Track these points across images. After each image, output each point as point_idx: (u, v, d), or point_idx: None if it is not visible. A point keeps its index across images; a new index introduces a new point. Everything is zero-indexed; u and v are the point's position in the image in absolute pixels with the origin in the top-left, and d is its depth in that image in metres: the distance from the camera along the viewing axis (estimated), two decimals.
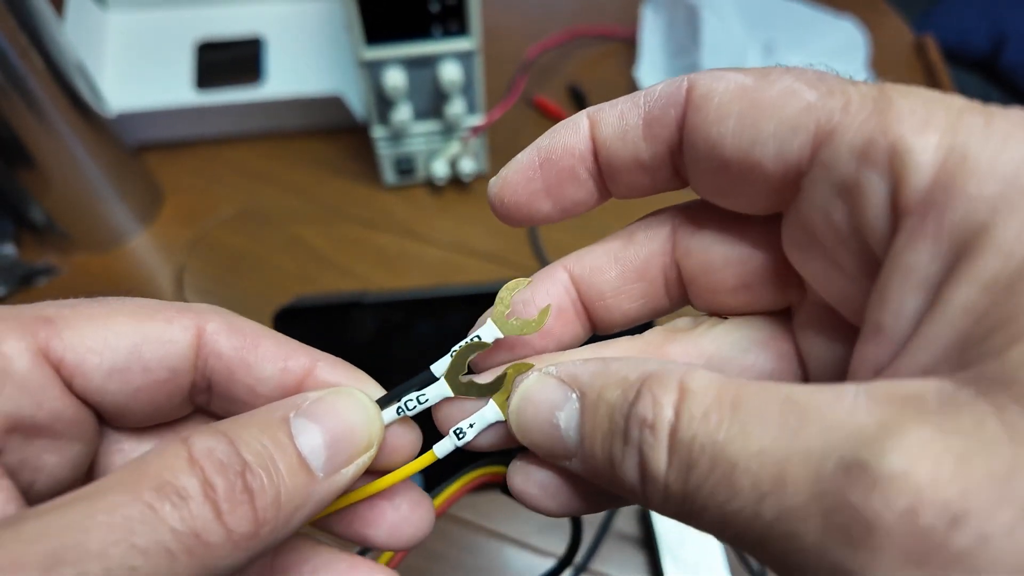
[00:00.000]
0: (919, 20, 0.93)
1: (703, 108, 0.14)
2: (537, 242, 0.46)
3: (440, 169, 0.47)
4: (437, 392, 0.16)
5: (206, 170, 0.51)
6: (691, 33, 0.53)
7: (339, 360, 0.17)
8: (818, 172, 0.13)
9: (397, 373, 0.34)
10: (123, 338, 0.15)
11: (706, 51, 0.49)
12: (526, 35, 0.62)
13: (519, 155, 0.16)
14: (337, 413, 0.14)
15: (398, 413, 0.16)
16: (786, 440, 0.11)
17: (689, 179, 0.15)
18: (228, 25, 0.53)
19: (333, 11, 0.55)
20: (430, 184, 0.50)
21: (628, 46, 0.61)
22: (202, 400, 0.16)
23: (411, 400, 0.16)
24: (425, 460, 0.16)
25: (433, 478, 0.34)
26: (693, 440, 0.11)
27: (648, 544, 0.33)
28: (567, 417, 0.14)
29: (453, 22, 0.39)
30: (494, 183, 0.16)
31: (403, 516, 0.16)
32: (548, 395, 0.14)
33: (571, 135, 0.15)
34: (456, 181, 0.50)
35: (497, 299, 0.16)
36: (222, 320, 0.16)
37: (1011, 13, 0.81)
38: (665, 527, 0.32)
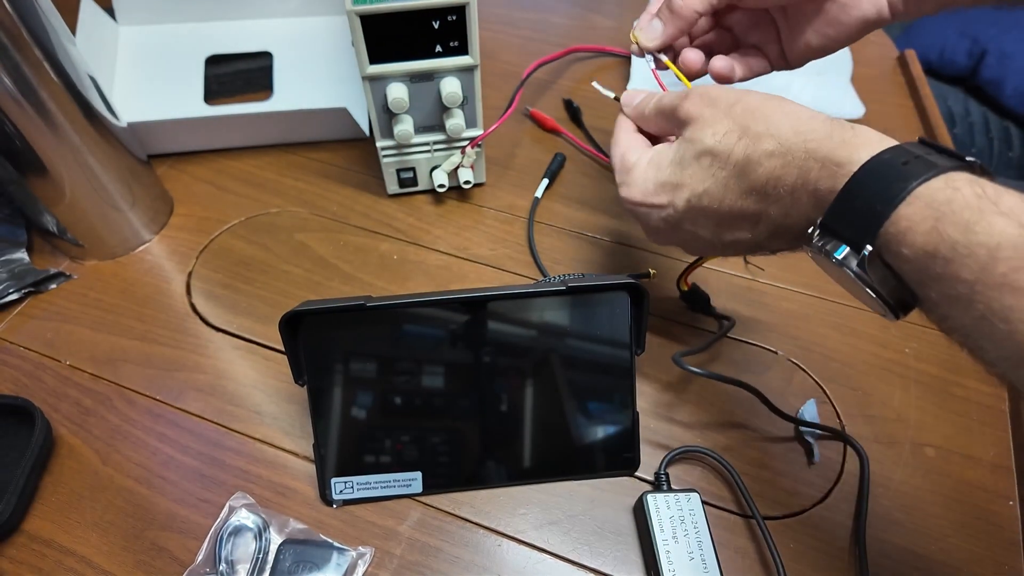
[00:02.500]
0: (902, 37, 0.95)
1: None
2: (534, 248, 0.47)
3: (441, 179, 0.48)
4: None
5: (215, 179, 0.52)
6: None
7: None
8: None
9: (400, 375, 0.35)
10: None
11: None
12: (522, 51, 0.64)
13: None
14: None
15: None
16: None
17: None
18: (237, 39, 0.55)
19: (338, 27, 0.56)
20: (431, 193, 0.51)
21: (622, 60, 0.63)
22: None
23: None
24: None
25: (430, 482, 0.35)
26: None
27: (646, 543, 0.34)
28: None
29: (453, 40, 0.41)
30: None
31: None
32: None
33: None
34: (456, 190, 0.51)
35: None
36: None
37: (988, 31, 0.83)
38: (661, 524, 0.33)
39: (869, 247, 0.24)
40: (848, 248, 0.25)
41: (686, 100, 0.32)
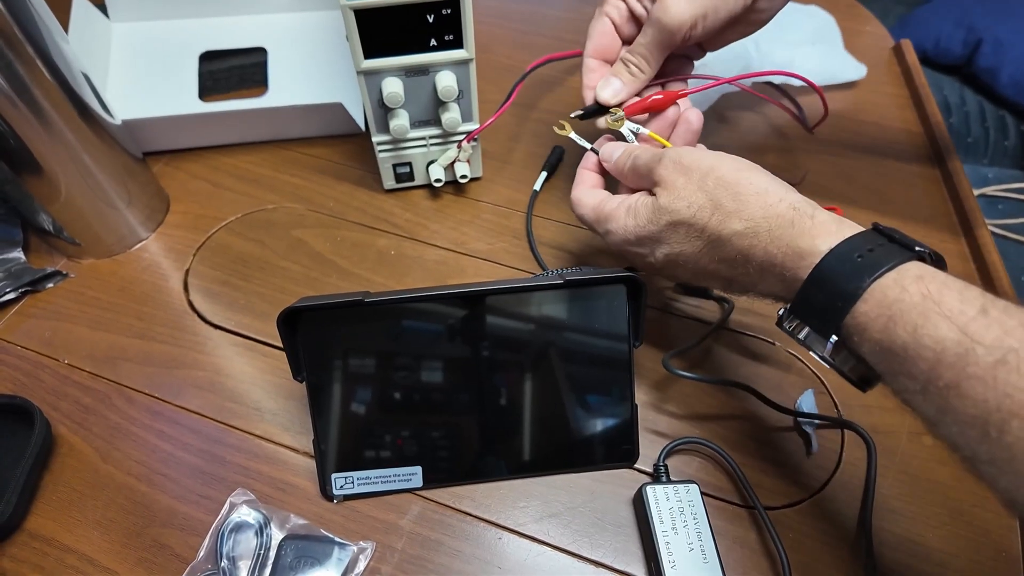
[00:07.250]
0: (897, 27, 0.95)
1: None
2: (532, 242, 0.47)
3: (437, 173, 0.48)
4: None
5: (211, 176, 0.52)
6: None
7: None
8: None
9: (399, 370, 0.35)
10: None
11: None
12: (517, 44, 0.63)
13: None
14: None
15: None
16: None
17: None
18: (231, 35, 0.55)
19: (333, 22, 0.56)
20: (428, 187, 0.51)
21: None
22: None
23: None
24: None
25: (431, 476, 0.35)
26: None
27: (646, 534, 0.34)
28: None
29: (448, 34, 0.41)
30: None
31: None
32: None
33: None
34: (453, 184, 0.51)
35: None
36: None
37: (984, 21, 0.83)
38: (661, 515, 0.33)
39: (835, 336, 0.27)
40: (814, 333, 0.28)
41: (660, 165, 0.34)
